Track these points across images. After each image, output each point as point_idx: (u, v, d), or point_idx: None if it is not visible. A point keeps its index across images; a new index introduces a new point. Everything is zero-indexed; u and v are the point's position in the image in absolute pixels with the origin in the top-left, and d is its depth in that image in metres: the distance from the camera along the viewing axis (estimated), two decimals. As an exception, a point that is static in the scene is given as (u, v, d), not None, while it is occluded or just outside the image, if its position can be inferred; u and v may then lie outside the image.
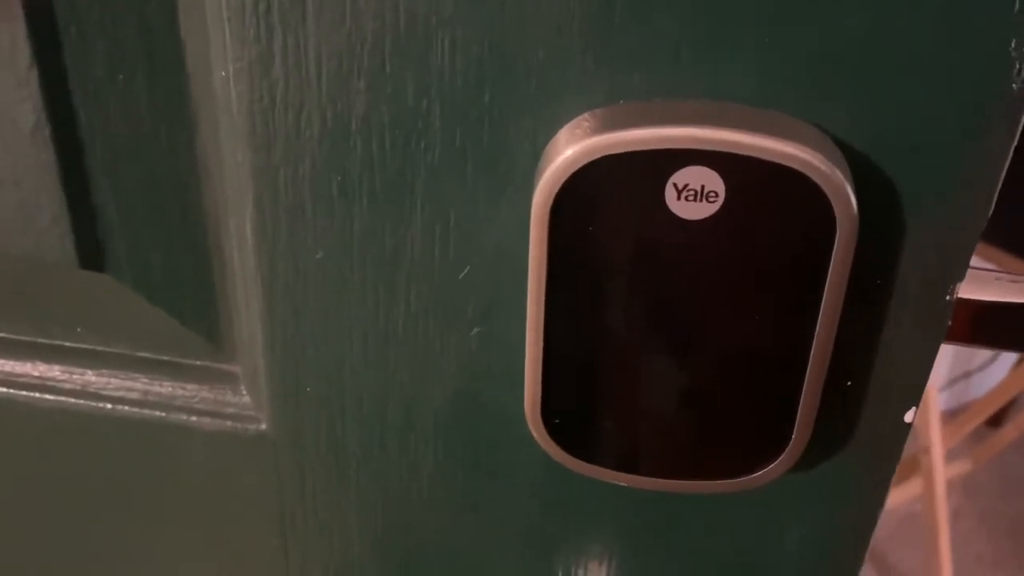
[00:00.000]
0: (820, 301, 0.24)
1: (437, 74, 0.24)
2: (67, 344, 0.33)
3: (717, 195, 0.23)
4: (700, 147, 0.22)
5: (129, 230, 0.30)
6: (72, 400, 0.33)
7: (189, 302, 0.31)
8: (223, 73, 0.26)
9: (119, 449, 0.34)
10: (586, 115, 0.24)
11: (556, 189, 0.23)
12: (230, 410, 0.32)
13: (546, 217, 0.24)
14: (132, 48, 0.27)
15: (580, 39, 0.23)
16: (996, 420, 1.61)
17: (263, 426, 0.32)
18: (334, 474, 0.32)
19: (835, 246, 0.23)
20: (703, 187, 0.23)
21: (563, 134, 0.24)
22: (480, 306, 0.28)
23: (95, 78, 0.27)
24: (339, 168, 0.26)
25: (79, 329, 0.33)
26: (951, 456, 1.44)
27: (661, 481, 0.27)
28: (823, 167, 0.22)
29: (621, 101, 0.24)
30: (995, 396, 1.44)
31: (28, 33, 0.26)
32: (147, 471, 0.34)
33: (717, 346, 0.25)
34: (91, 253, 0.30)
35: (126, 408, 0.33)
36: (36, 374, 0.33)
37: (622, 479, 0.28)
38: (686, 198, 0.23)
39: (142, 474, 0.34)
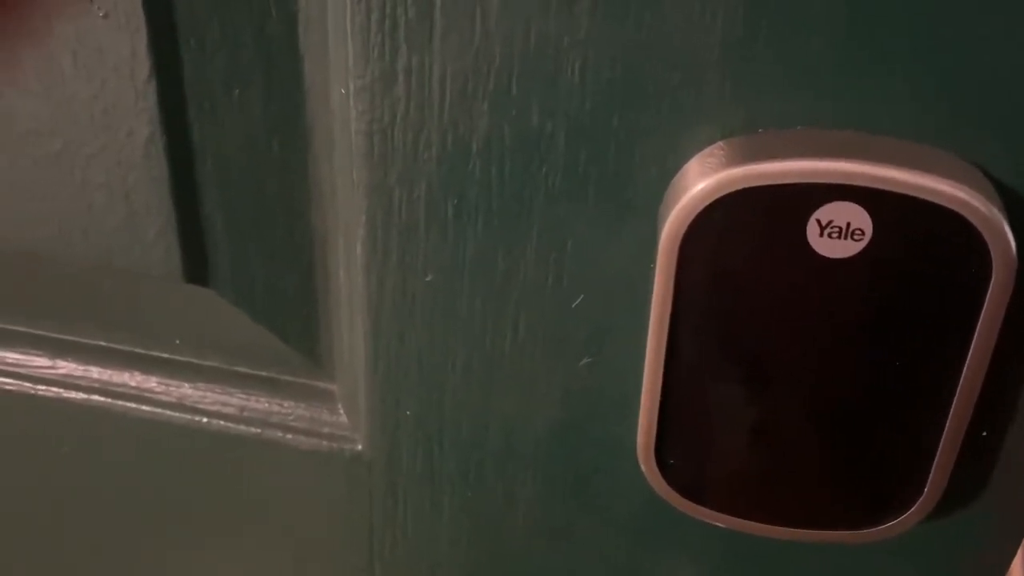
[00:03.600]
0: (968, 349, 0.22)
1: (565, 96, 0.24)
2: (165, 356, 0.33)
3: (863, 233, 0.22)
4: (848, 182, 0.21)
5: (235, 245, 0.29)
6: (168, 412, 0.33)
7: (290, 319, 0.31)
8: (343, 90, 0.25)
9: (212, 463, 0.33)
10: (721, 143, 0.23)
11: (688, 222, 0.22)
12: (326, 429, 0.32)
13: (675, 250, 0.23)
14: (250, 62, 0.26)
15: (719, 62, 0.22)
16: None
17: (359, 447, 0.32)
18: (428, 498, 0.32)
19: (989, 292, 0.22)
20: (848, 224, 0.22)
21: (695, 163, 0.23)
22: (592, 336, 0.27)
23: (211, 91, 0.27)
24: (456, 190, 0.25)
25: (178, 341, 0.33)
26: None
27: (780, 529, 0.26)
28: (980, 207, 0.21)
29: (760, 129, 0.23)
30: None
31: (149, 45, 0.26)
32: (240, 486, 0.34)
33: (852, 391, 0.24)
34: (196, 267, 0.29)
35: (222, 423, 0.32)
36: (133, 384, 0.33)
37: (737, 524, 0.26)
38: (829, 235, 0.22)
39: (234, 489, 0.34)
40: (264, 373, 0.32)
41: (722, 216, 0.22)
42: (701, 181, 0.22)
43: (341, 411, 0.32)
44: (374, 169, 0.25)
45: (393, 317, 0.28)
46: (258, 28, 0.26)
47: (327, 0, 0.24)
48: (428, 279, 0.27)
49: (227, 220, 0.29)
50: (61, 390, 0.34)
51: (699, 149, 0.23)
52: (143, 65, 0.26)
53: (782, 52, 0.22)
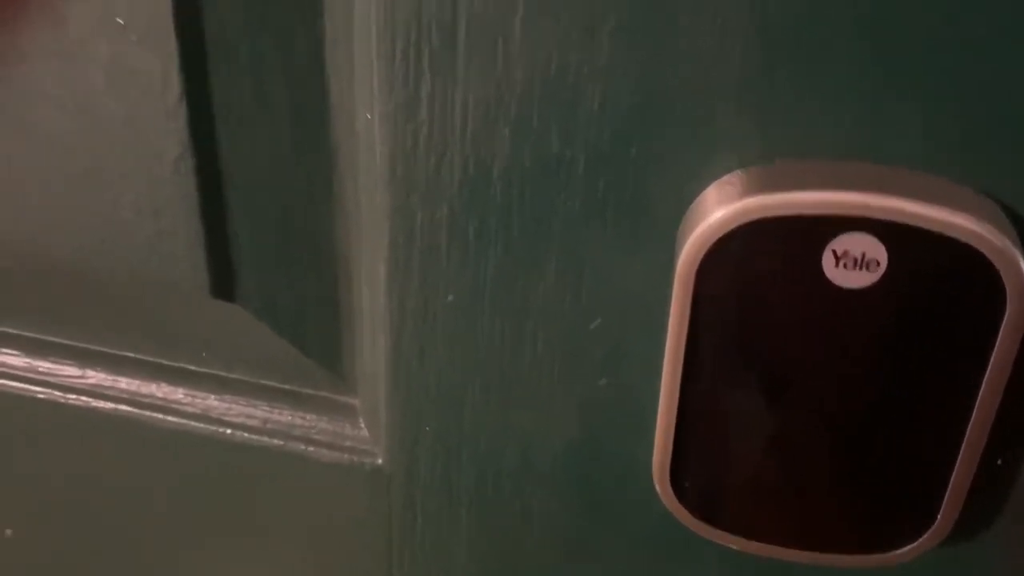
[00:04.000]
0: (981, 379, 0.23)
1: (584, 124, 0.24)
2: (191, 368, 0.34)
3: (878, 264, 0.22)
4: (863, 214, 0.21)
5: (261, 261, 0.30)
6: (193, 423, 0.33)
7: (314, 334, 0.31)
8: (368, 115, 0.25)
9: (236, 474, 0.34)
10: (738, 172, 0.23)
11: (704, 250, 0.23)
12: (347, 443, 0.32)
13: (692, 277, 0.23)
14: (277, 84, 0.27)
15: (737, 92, 0.23)
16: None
17: (379, 461, 0.32)
18: (446, 513, 0.32)
19: (1003, 324, 0.22)
20: (863, 255, 0.22)
21: (712, 192, 0.23)
22: (609, 357, 0.27)
23: (239, 112, 0.27)
24: (477, 213, 0.26)
25: (204, 354, 0.33)
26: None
27: (793, 552, 0.26)
28: (994, 240, 0.21)
29: (777, 159, 0.23)
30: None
31: (180, 68, 0.26)
32: (262, 497, 0.34)
33: (867, 418, 0.24)
34: (223, 282, 0.30)
35: (245, 434, 0.33)
36: (160, 395, 0.34)
37: (750, 547, 0.27)
38: (844, 265, 0.22)
39: (256, 500, 0.34)
40: (288, 386, 0.33)
41: (738, 245, 0.22)
42: (718, 210, 0.22)
43: (362, 425, 0.33)
44: (397, 191, 0.26)
45: (414, 334, 0.29)
46: (286, 53, 0.26)
47: (353, 27, 0.25)
48: (449, 299, 0.28)
49: (253, 238, 0.29)
50: (90, 399, 0.34)
51: (717, 177, 0.23)
52: (174, 87, 0.26)
53: (799, 83, 0.22)
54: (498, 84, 0.24)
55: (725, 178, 0.23)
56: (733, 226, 0.22)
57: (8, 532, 0.39)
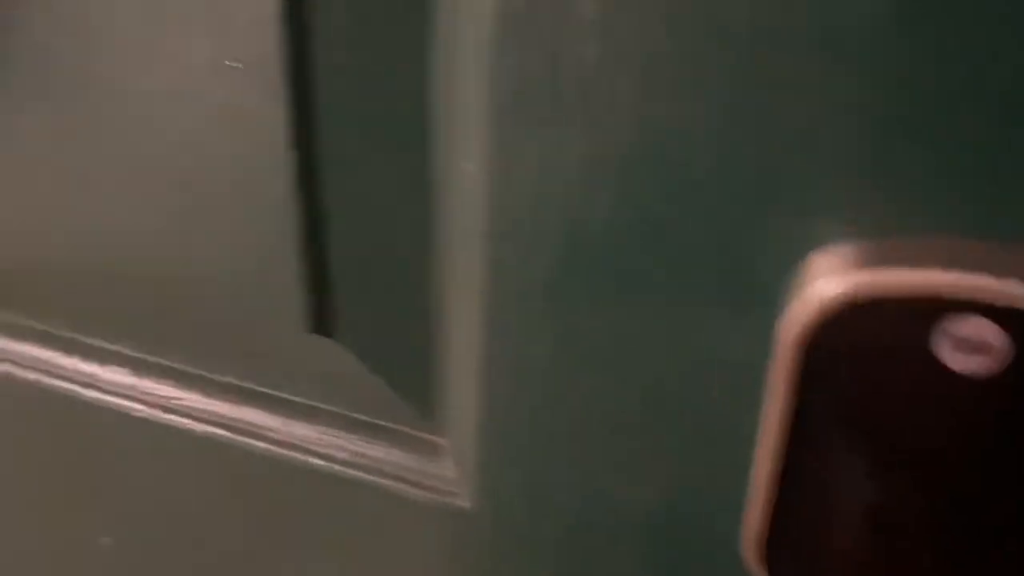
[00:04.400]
0: (1106, 478, 0.21)
1: (689, 186, 0.23)
2: (284, 396, 0.34)
3: (997, 350, 0.21)
4: (978, 297, 0.20)
5: (358, 300, 0.30)
6: (283, 451, 0.34)
7: (407, 373, 0.31)
8: (468, 166, 0.25)
9: (322, 505, 0.34)
10: (848, 246, 0.22)
11: (809, 324, 0.22)
12: (434, 482, 0.33)
13: (794, 350, 0.22)
14: (381, 131, 0.27)
15: (851, 159, 0.22)
16: None
17: (465, 503, 0.32)
18: (528, 563, 0.32)
19: None
20: (981, 340, 0.21)
21: (821, 264, 0.22)
22: (702, 421, 0.27)
23: (343, 157, 0.28)
24: (573, 268, 0.26)
25: (298, 384, 0.34)
26: None
27: (889, 639, 0.25)
28: None
29: (891, 234, 0.22)
30: None
31: (288, 111, 0.27)
32: (346, 529, 0.34)
33: (975, 506, 0.23)
34: (320, 319, 0.31)
35: (334, 466, 0.33)
36: (253, 421, 0.35)
37: (843, 628, 0.25)
38: (959, 349, 0.21)
39: (341, 532, 0.35)
40: (378, 422, 0.33)
41: (845, 321, 0.22)
42: (825, 285, 0.22)
43: (451, 466, 0.33)
44: (495, 244, 0.26)
45: (505, 384, 0.28)
46: (391, 102, 0.26)
47: (457, 79, 0.25)
48: (542, 352, 0.27)
49: (351, 278, 0.30)
50: (186, 420, 0.35)
51: (825, 250, 0.23)
52: (281, 129, 0.27)
53: (918, 152, 0.21)
54: (600, 143, 0.23)
55: (834, 251, 0.22)
56: (840, 303, 0.21)
57: (105, 541, 0.40)
